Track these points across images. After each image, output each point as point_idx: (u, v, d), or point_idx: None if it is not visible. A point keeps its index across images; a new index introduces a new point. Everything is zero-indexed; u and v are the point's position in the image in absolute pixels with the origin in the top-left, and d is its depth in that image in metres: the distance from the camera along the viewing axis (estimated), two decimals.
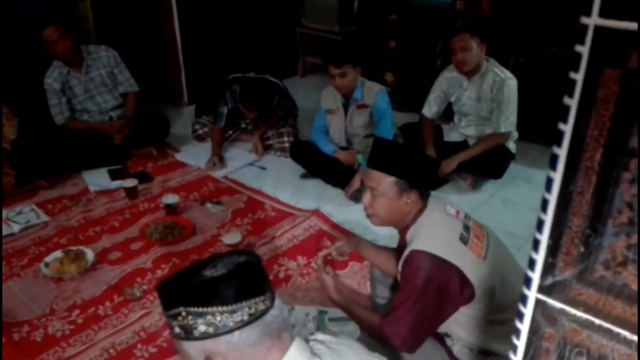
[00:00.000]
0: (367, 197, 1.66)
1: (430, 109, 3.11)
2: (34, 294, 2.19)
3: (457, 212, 1.64)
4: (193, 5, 4.04)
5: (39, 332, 2.00)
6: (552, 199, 0.62)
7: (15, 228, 2.58)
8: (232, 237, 2.38)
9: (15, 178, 2.84)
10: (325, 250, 1.93)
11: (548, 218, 0.63)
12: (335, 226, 2.64)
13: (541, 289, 0.65)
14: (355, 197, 2.85)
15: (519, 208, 2.83)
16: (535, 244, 0.64)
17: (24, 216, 2.68)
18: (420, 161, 1.65)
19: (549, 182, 0.63)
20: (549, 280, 0.65)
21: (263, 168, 3.31)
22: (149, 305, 2.13)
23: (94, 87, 3.28)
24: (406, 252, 1.55)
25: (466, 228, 1.59)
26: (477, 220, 1.69)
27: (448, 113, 3.20)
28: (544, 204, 0.63)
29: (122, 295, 2.17)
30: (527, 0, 3.45)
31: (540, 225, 0.63)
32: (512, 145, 3.00)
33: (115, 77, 3.34)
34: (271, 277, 2.26)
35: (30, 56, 3.26)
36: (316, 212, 2.74)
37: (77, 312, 2.10)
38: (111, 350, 1.93)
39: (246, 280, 0.91)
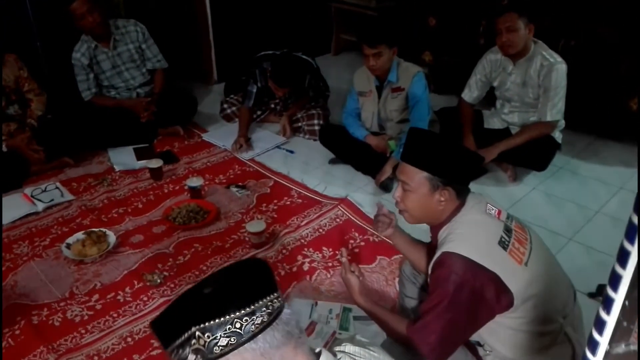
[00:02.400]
0: (398, 191, 1.53)
1: (471, 93, 2.91)
2: (54, 276, 2.16)
3: (499, 212, 1.50)
4: None
5: (57, 316, 1.97)
6: (634, 250, 0.48)
7: (40, 206, 2.56)
8: (256, 225, 2.28)
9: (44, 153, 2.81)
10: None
11: (627, 272, 0.49)
12: (364, 216, 2.51)
13: (608, 357, 0.52)
14: (386, 186, 2.71)
15: (563, 203, 2.63)
16: (607, 302, 0.50)
17: (48, 194, 2.65)
18: (459, 156, 1.50)
19: (630, 229, 0.48)
20: (620, 349, 0.51)
21: (291, 152, 3.19)
22: (169, 293, 2.07)
23: (121, 62, 3.20)
24: (438, 254, 1.42)
25: (507, 230, 1.44)
26: (521, 221, 1.54)
27: (490, 98, 3.00)
28: (623, 255, 0.49)
29: (142, 282, 2.12)
30: None
31: (615, 279, 0.49)
32: (557, 135, 2.78)
33: (143, 53, 3.26)
34: (295, 269, 2.18)
35: (58, 29, 3.20)
36: (344, 201, 2.62)
37: (96, 296, 2.06)
38: (129, 339, 1.89)
39: (257, 277, 0.86)
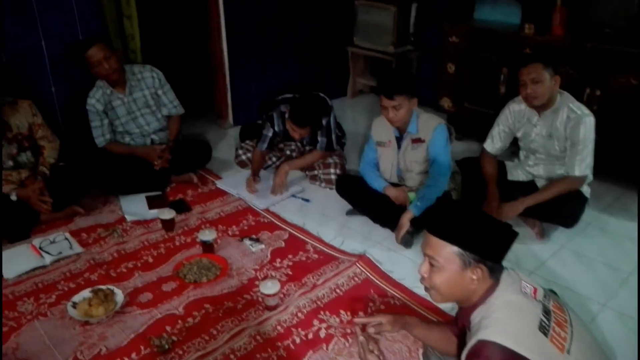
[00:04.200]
0: (424, 267, 1.42)
1: (494, 143, 2.82)
2: (58, 338, 2.05)
3: (535, 291, 1.38)
4: (241, 21, 3.89)
5: None
6: None
7: (47, 260, 2.48)
8: (270, 287, 2.16)
9: (52, 205, 2.73)
10: (364, 318, 1.70)
11: None
12: (384, 275, 2.39)
13: None
14: (406, 242, 2.59)
15: (594, 264, 2.49)
16: None
17: (56, 246, 2.57)
18: (491, 230, 1.39)
19: None
20: None
21: (307, 200, 3.10)
22: None
23: (137, 108, 3.16)
24: (473, 341, 1.30)
25: (546, 312, 1.32)
26: (559, 300, 1.42)
27: (513, 148, 2.90)
28: None
29: (150, 347, 2.00)
30: (605, 26, 3.11)
31: None
32: (585, 189, 2.65)
33: (159, 99, 3.22)
34: (310, 336, 2.05)
35: (73, 75, 3.18)
36: (362, 258, 2.50)
37: None
38: None
39: None
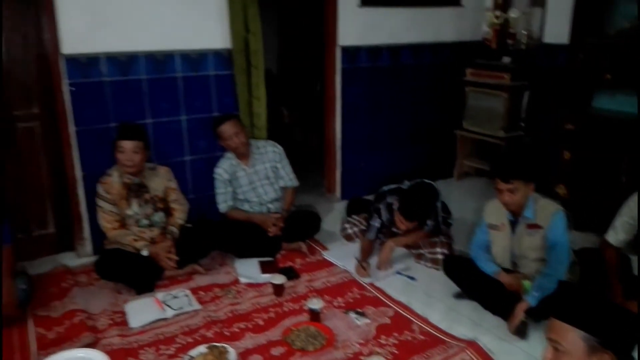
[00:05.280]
0: (549, 352, 1.38)
1: (616, 235, 2.66)
2: None
3: None
4: (356, 104, 4.15)
5: None
6: None
7: (169, 313, 2.67)
8: None
9: (176, 262, 2.98)
10: None
11: None
12: None
13: None
14: (521, 332, 2.47)
15: None
16: None
17: (178, 301, 2.77)
18: (619, 317, 1.33)
19: None
20: None
21: (412, 278, 3.09)
22: None
23: (257, 179, 3.43)
24: None
25: None
26: None
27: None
28: None
29: None
30: None
31: None
32: None
33: (277, 172, 3.48)
34: None
35: (205, 147, 3.55)
36: (472, 344, 2.41)
37: None
38: None
39: None
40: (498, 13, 4.41)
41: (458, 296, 2.86)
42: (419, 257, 3.29)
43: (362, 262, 3.12)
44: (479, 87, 4.41)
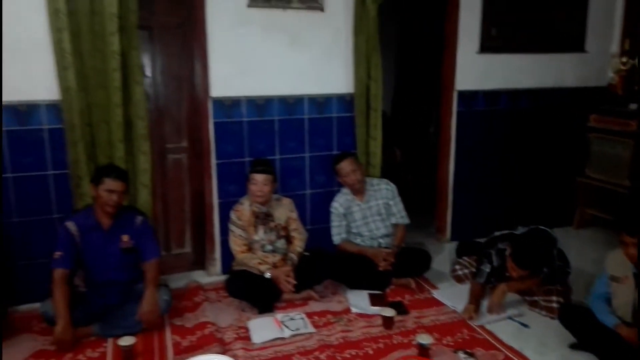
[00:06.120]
0: None
1: None
2: None
3: None
4: (470, 147, 4.23)
5: None
6: None
7: (287, 333, 2.90)
8: None
9: (294, 287, 3.23)
10: None
11: None
12: None
13: None
14: None
15: None
16: None
17: (294, 322, 2.99)
18: None
19: None
20: None
21: (525, 325, 3.04)
22: None
23: (370, 214, 3.62)
24: None
25: None
26: None
27: None
28: None
29: None
30: None
31: None
32: None
33: (389, 208, 3.64)
34: None
35: (323, 182, 3.83)
36: None
37: None
38: None
39: None
40: (625, 59, 4.29)
41: (574, 347, 2.77)
42: (533, 304, 3.22)
43: (471, 305, 3.14)
44: (604, 134, 4.26)
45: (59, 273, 2.81)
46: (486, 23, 4.04)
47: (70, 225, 2.88)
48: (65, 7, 2.88)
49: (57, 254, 2.84)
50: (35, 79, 3.01)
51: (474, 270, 3.48)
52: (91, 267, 2.95)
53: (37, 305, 3.01)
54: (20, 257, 3.18)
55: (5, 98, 2.95)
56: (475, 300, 3.19)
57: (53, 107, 3.07)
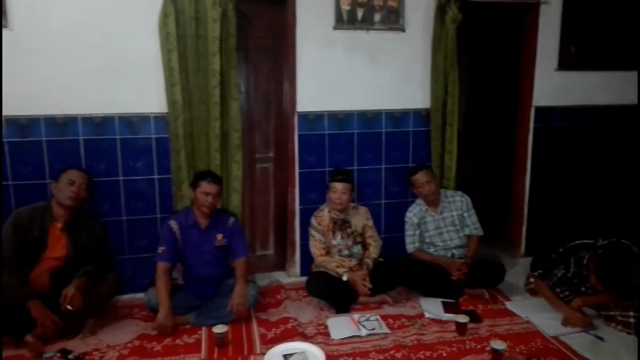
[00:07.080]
0: None
1: None
2: None
3: None
4: (547, 161, 4.26)
5: None
6: None
7: (363, 332, 3.08)
8: None
9: (370, 290, 3.42)
10: None
11: None
12: None
13: None
14: None
15: None
16: None
17: (370, 323, 3.18)
18: None
19: None
20: None
21: (600, 338, 3.04)
22: None
23: (444, 225, 3.75)
24: None
25: None
26: None
27: None
28: None
29: None
30: None
31: None
32: None
33: (463, 220, 3.76)
34: None
35: (396, 192, 4.01)
36: None
37: None
38: None
39: None
40: None
41: None
42: (609, 319, 3.21)
43: (578, 308, 3.17)
44: None
45: (162, 266, 3.17)
46: (565, 41, 4.10)
47: (173, 224, 3.24)
48: (175, 31, 3.28)
49: (161, 249, 3.21)
50: (147, 94, 3.43)
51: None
52: (189, 262, 3.29)
53: (137, 295, 3.39)
54: (124, 252, 3.58)
55: (119, 111, 3.41)
56: (557, 303, 3.24)
57: (160, 119, 3.47)
